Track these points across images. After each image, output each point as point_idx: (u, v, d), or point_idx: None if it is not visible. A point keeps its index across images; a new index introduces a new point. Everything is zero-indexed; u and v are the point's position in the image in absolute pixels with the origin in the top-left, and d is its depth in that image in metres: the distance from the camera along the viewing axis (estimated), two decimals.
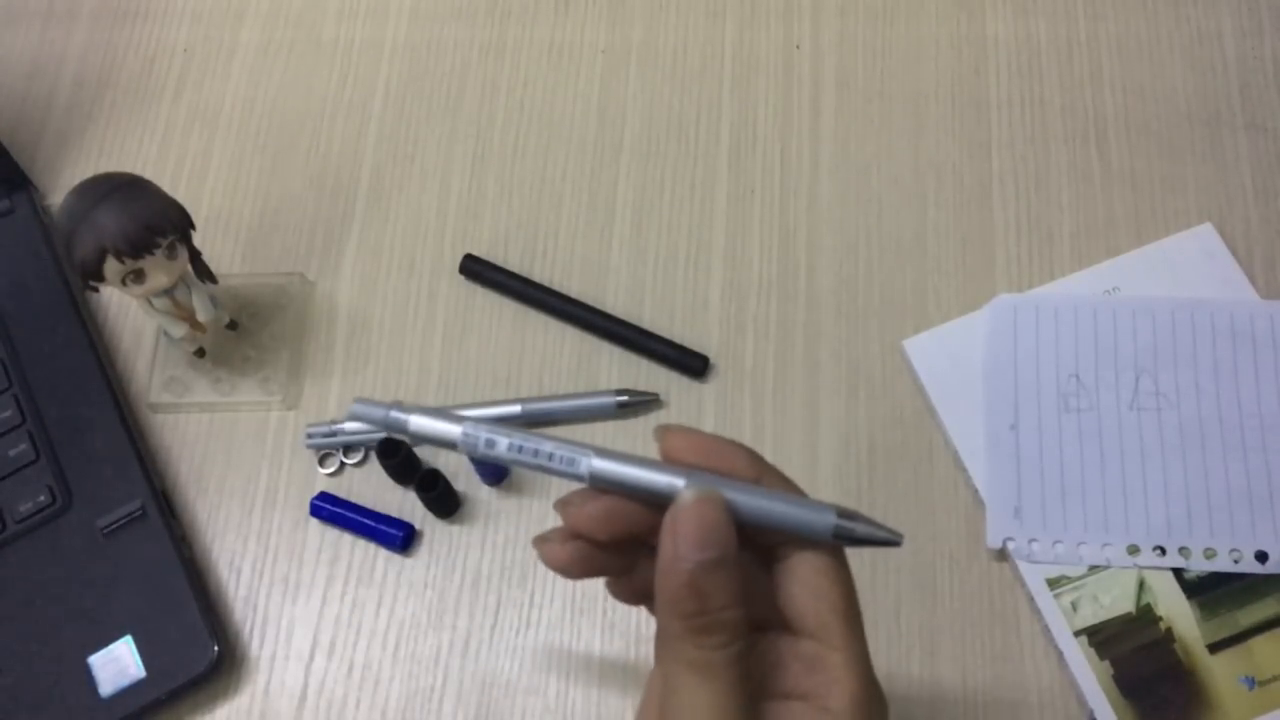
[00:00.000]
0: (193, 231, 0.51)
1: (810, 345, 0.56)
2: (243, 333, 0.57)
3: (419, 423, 0.32)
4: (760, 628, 0.32)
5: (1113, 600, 0.49)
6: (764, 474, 0.33)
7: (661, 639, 0.31)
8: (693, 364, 0.55)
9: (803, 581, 0.32)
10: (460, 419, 0.32)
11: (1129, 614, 0.49)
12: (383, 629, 0.51)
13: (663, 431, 0.33)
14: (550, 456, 0.32)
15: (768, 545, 0.33)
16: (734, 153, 0.60)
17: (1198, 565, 0.49)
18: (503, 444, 0.32)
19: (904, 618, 0.50)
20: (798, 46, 0.62)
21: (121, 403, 0.55)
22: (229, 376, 0.56)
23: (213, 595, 0.52)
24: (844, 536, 0.31)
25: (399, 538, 0.52)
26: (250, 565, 0.53)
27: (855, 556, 0.51)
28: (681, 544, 0.29)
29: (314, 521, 0.53)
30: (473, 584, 0.52)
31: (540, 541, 0.33)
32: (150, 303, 0.52)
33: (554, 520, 0.53)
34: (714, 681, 0.30)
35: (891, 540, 0.32)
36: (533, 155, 0.61)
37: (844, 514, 0.31)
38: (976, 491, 0.52)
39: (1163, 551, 0.50)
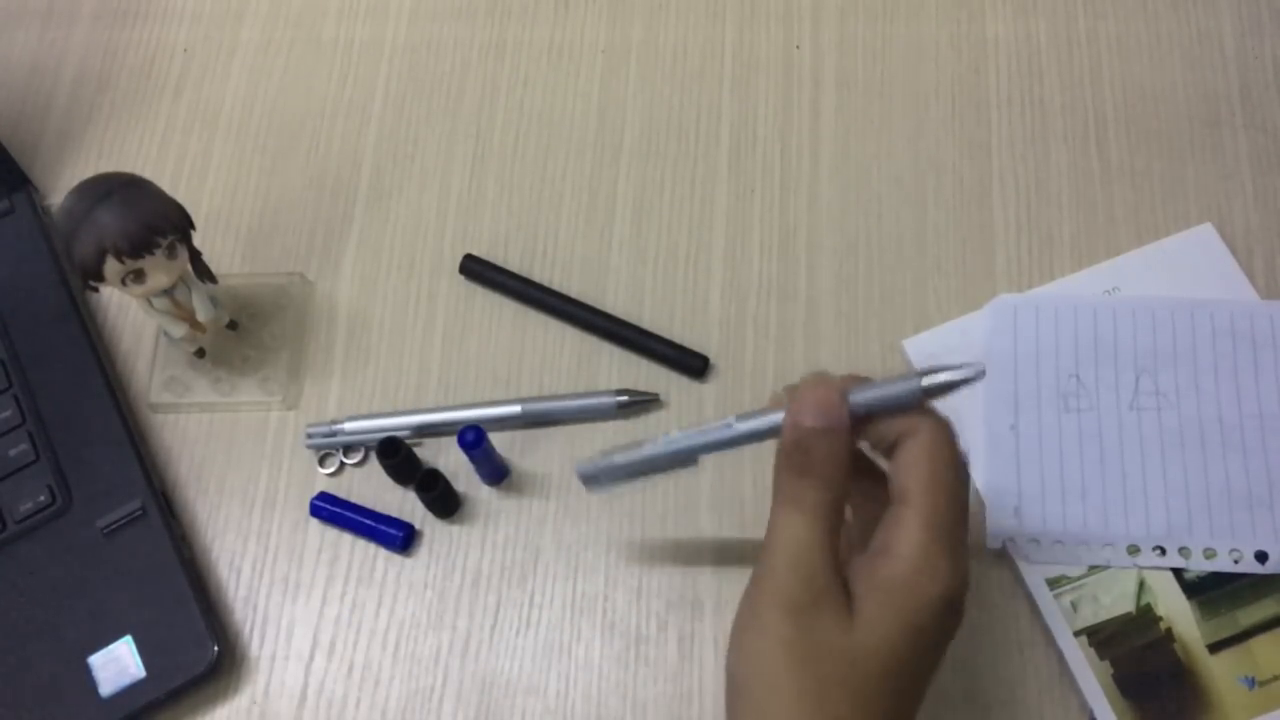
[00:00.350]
0: (193, 231, 0.51)
1: (810, 345, 0.56)
2: (243, 333, 0.57)
3: (621, 458, 0.43)
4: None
5: (1113, 600, 0.49)
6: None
7: (774, 491, 0.38)
8: (693, 364, 0.55)
9: (901, 457, 0.38)
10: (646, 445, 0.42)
11: (1129, 614, 0.49)
12: (383, 629, 0.51)
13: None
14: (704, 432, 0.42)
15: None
16: (734, 153, 0.60)
17: (1198, 565, 0.49)
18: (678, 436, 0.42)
19: None
20: (798, 46, 0.62)
21: (121, 403, 0.55)
22: (229, 376, 0.56)
23: (213, 595, 0.52)
24: (933, 389, 0.37)
25: (399, 538, 0.52)
26: (250, 565, 0.53)
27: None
28: (800, 413, 0.37)
29: (314, 521, 0.53)
30: (473, 584, 0.52)
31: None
32: (150, 303, 0.52)
33: (554, 520, 0.53)
34: (803, 514, 0.37)
35: (973, 375, 0.37)
36: (533, 155, 0.61)
37: (925, 373, 0.37)
38: (976, 491, 0.52)
39: (1163, 551, 0.50)
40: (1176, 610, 0.49)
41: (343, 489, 0.54)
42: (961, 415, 0.52)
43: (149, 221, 0.48)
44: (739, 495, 0.53)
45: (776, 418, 0.39)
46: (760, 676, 0.36)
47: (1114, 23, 0.62)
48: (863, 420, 0.38)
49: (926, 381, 0.37)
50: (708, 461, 0.53)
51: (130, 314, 0.58)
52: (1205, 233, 0.56)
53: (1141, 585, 0.49)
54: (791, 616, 0.35)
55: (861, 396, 0.38)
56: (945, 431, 0.38)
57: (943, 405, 0.53)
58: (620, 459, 0.43)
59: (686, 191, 0.59)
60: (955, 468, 0.37)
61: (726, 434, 0.41)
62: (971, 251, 0.57)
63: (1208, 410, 0.52)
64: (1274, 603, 0.49)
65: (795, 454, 0.37)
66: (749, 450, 0.53)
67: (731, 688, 0.37)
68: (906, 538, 0.36)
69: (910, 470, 0.37)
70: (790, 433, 0.38)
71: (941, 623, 0.36)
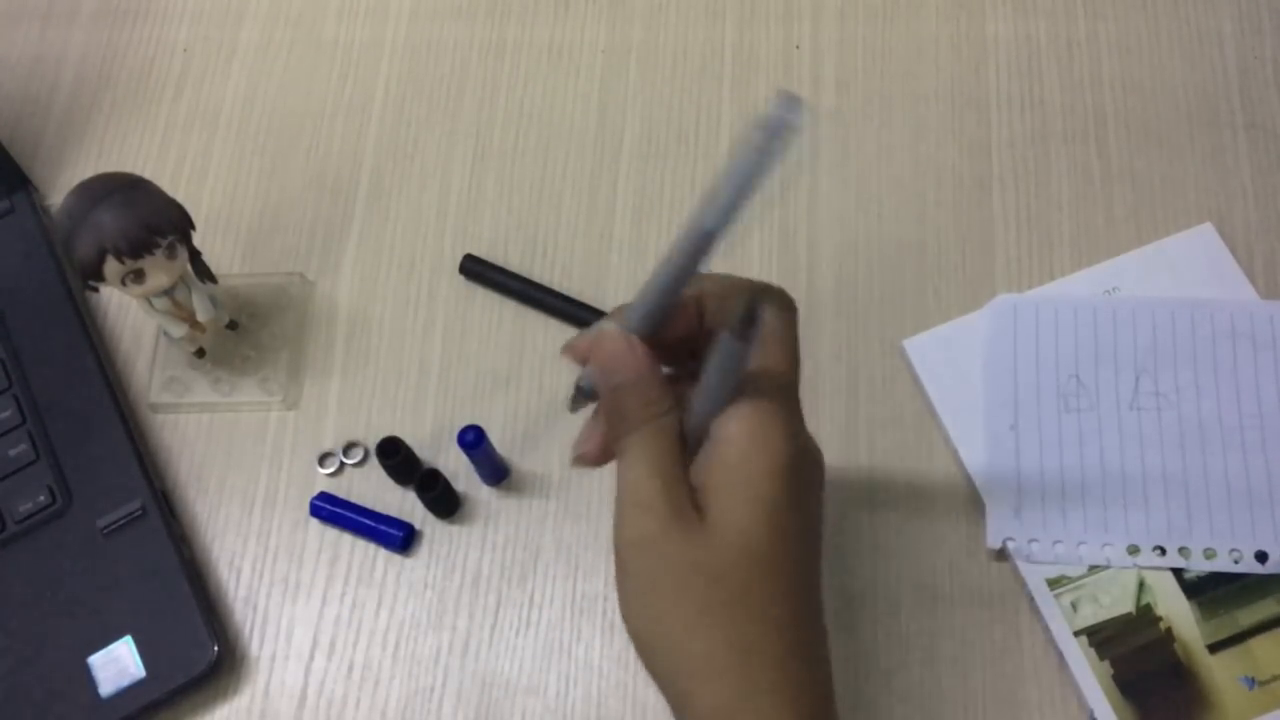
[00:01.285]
0: (193, 231, 0.51)
1: (810, 345, 0.55)
2: (243, 333, 0.57)
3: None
4: None
5: (1113, 600, 0.49)
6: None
7: (608, 439, 0.38)
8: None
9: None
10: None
11: (1129, 614, 0.49)
12: (383, 629, 0.51)
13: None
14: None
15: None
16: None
17: (1198, 565, 0.49)
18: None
19: (904, 618, 0.50)
20: (798, 47, 0.62)
21: (121, 403, 0.55)
22: (229, 376, 0.56)
23: (213, 595, 0.52)
24: (701, 238, 0.36)
25: (399, 538, 0.52)
26: (250, 565, 0.53)
27: (854, 551, 0.51)
28: (596, 377, 0.38)
29: (314, 521, 0.53)
30: (473, 584, 0.52)
31: (578, 459, 0.40)
32: (150, 303, 0.52)
33: (554, 520, 0.53)
34: (630, 453, 0.37)
35: (789, 108, 0.33)
36: (533, 155, 0.61)
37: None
38: (976, 491, 0.52)
39: (1163, 551, 0.50)
40: (1176, 610, 0.49)
41: (343, 489, 0.54)
42: (962, 415, 0.53)
43: (149, 221, 0.48)
44: None
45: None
46: (650, 626, 0.35)
47: (1114, 23, 0.62)
48: (669, 317, 0.38)
49: (696, 226, 0.35)
50: None
51: (130, 314, 0.58)
52: (1205, 233, 0.56)
53: (1141, 585, 0.49)
54: (650, 549, 0.35)
55: (639, 310, 0.37)
56: (766, 301, 0.38)
57: (943, 405, 0.53)
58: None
59: (686, 191, 0.59)
60: (779, 337, 0.39)
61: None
62: (971, 251, 0.57)
63: (1208, 410, 0.52)
64: (1274, 603, 0.49)
65: (612, 416, 0.37)
66: None
67: (638, 647, 0.37)
68: (732, 420, 0.36)
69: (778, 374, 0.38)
70: (601, 400, 0.38)
71: (788, 488, 0.36)
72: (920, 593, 0.50)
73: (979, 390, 0.53)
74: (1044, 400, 0.52)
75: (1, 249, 0.58)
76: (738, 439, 0.36)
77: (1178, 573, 0.49)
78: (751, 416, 0.36)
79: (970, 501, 0.52)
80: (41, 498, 0.52)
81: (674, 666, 0.35)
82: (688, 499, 0.36)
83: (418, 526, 0.53)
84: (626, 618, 0.36)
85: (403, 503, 0.54)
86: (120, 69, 0.65)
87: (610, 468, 0.38)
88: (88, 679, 0.49)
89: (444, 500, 0.52)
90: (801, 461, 0.37)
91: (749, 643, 0.34)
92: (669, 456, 0.36)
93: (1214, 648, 0.48)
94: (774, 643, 0.35)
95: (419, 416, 0.55)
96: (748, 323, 0.34)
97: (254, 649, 0.51)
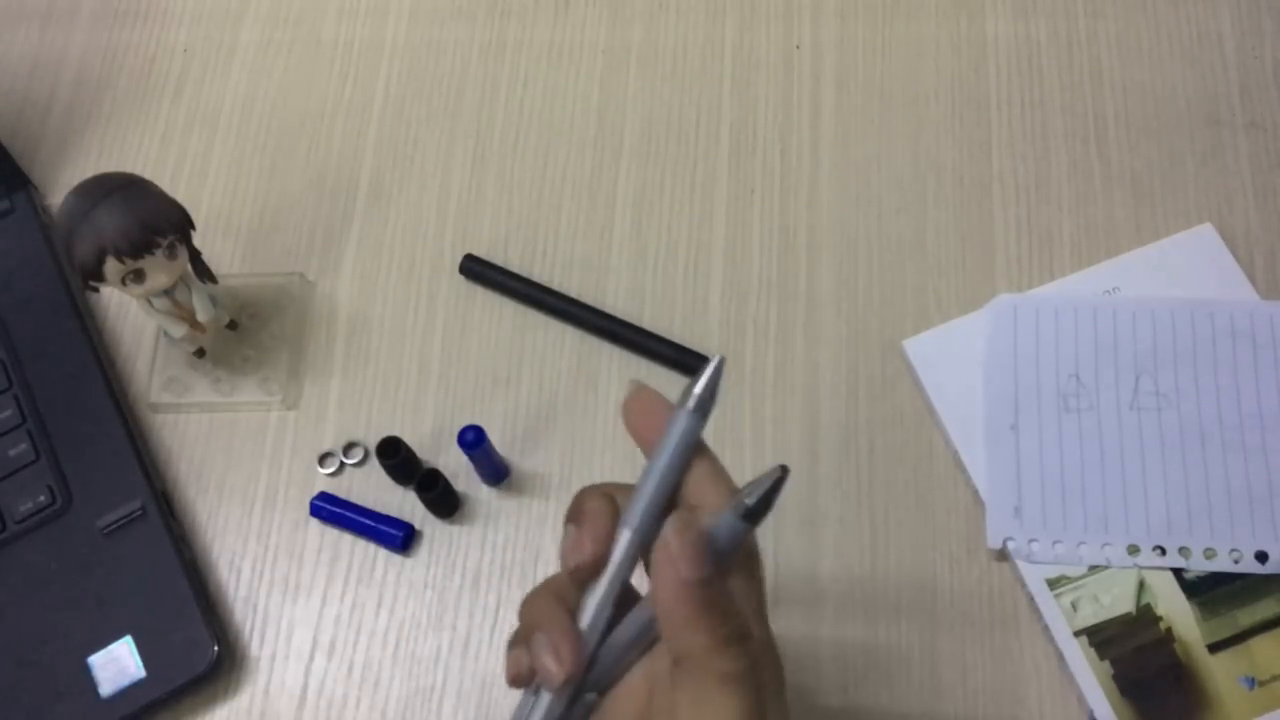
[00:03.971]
0: (193, 231, 0.51)
1: (810, 345, 0.56)
2: (243, 333, 0.57)
3: None
4: None
5: (1113, 600, 0.49)
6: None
7: (682, 666, 0.31)
8: (693, 364, 0.55)
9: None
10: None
11: (1129, 614, 0.49)
12: (383, 629, 0.51)
13: (636, 387, 0.35)
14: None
15: None
16: (734, 153, 0.60)
17: (1198, 565, 0.49)
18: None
19: (904, 618, 0.50)
20: (798, 46, 0.62)
21: (121, 403, 0.55)
22: (229, 376, 0.56)
23: (213, 595, 0.52)
24: (748, 513, 0.32)
25: (399, 538, 0.52)
26: (250, 565, 0.53)
27: (854, 551, 0.51)
28: (684, 567, 0.31)
29: (314, 521, 0.53)
30: (473, 584, 0.52)
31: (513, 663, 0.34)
32: (150, 303, 0.52)
33: (554, 520, 0.53)
34: (744, 689, 0.31)
35: (778, 479, 0.32)
36: (533, 155, 0.61)
37: (735, 506, 0.32)
38: (976, 491, 0.52)
39: (1163, 551, 0.50)
40: (1176, 610, 0.49)
41: (343, 489, 0.54)
42: (962, 415, 0.53)
43: (149, 221, 0.48)
44: None
45: (644, 613, 0.33)
46: None
47: (1114, 23, 0.62)
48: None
49: (741, 507, 0.32)
50: None
51: (130, 314, 0.58)
52: (1205, 233, 0.56)
53: (1141, 585, 0.49)
54: None
55: (716, 540, 0.33)
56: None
57: (943, 405, 0.53)
58: None
59: (686, 191, 0.59)
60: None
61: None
62: (971, 251, 0.57)
63: (1208, 410, 0.52)
64: (1274, 603, 0.49)
65: (710, 616, 0.31)
66: (750, 447, 0.53)
67: None
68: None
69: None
70: (685, 599, 0.31)
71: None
72: (920, 593, 0.50)
73: (979, 390, 0.53)
74: (1044, 400, 0.52)
75: (1, 249, 0.58)
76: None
77: (1178, 573, 0.49)
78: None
79: (970, 501, 0.52)
80: (41, 498, 0.52)
81: None
82: None
83: (418, 526, 0.53)
84: None
85: (403, 503, 0.54)
86: (120, 69, 0.65)
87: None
88: (88, 679, 0.49)
89: (444, 500, 0.52)
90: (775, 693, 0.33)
91: None
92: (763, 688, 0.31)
93: (1214, 648, 0.48)
94: None
95: (419, 416, 0.55)
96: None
97: (254, 649, 0.51)
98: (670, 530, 0.31)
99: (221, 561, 0.53)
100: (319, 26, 0.65)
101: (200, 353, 0.56)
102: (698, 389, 0.35)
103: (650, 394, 0.36)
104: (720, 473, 0.34)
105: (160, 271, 0.50)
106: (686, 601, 0.31)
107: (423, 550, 0.53)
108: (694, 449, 0.34)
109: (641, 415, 0.35)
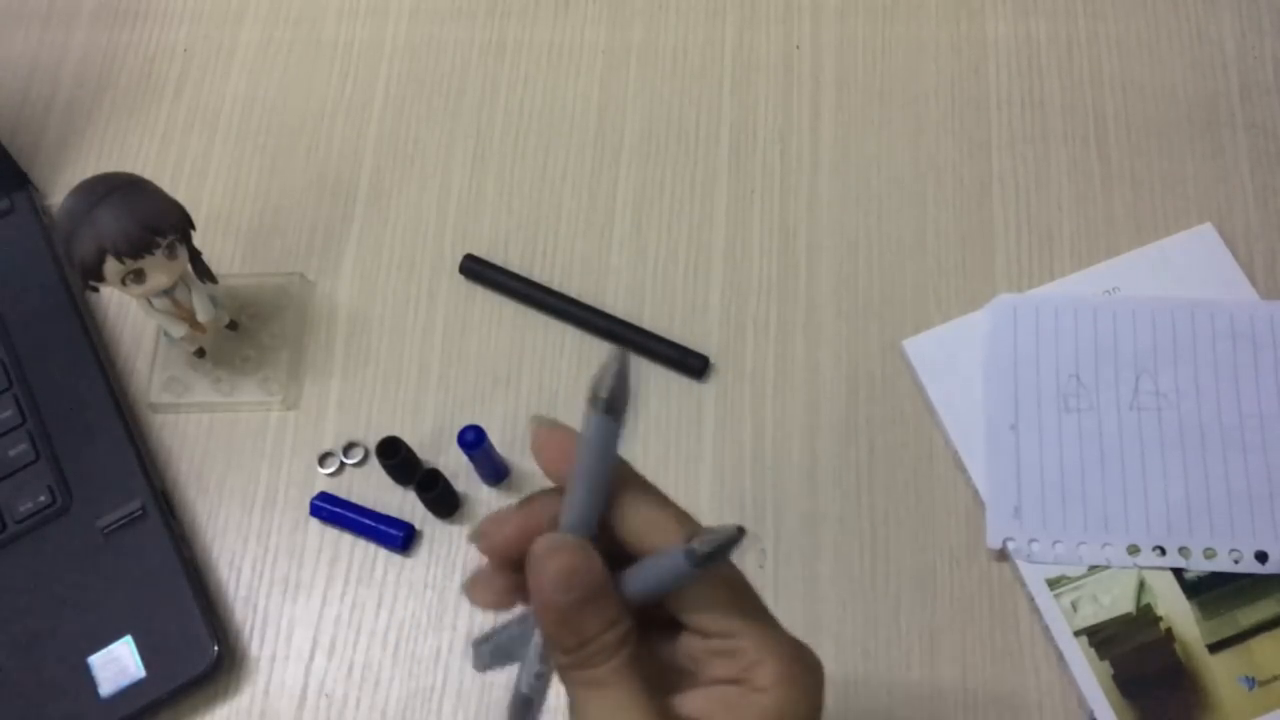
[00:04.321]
0: (193, 231, 0.51)
1: (810, 345, 0.56)
2: (243, 333, 0.57)
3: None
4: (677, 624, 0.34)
5: (1113, 600, 0.49)
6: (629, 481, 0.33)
7: (558, 668, 0.32)
8: (693, 364, 0.55)
9: (691, 596, 0.33)
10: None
11: (1129, 614, 0.49)
12: (383, 629, 0.51)
13: (537, 427, 0.34)
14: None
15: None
16: (734, 153, 0.60)
17: (1198, 565, 0.49)
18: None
19: (904, 618, 0.50)
20: (798, 46, 0.62)
21: (121, 403, 0.55)
22: (229, 376, 0.56)
23: (213, 595, 0.52)
24: (698, 561, 0.31)
25: (399, 538, 0.52)
26: (250, 565, 0.53)
27: (854, 551, 0.51)
28: (546, 590, 0.31)
29: (314, 521, 0.53)
30: None
31: (471, 585, 0.35)
32: (150, 303, 0.52)
33: None
34: (606, 688, 0.31)
35: (733, 538, 0.31)
36: (533, 155, 0.61)
37: (688, 551, 0.31)
38: (976, 491, 0.52)
39: (1163, 551, 0.50)
40: (1176, 610, 0.49)
41: (343, 489, 0.54)
42: (962, 415, 0.53)
43: (149, 221, 0.48)
44: (740, 489, 0.53)
45: (527, 632, 0.33)
46: None
47: (1114, 23, 0.62)
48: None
49: (698, 547, 0.31)
50: (708, 459, 0.53)
51: (130, 314, 0.58)
52: (1205, 233, 0.56)
53: (1141, 585, 0.49)
54: None
55: (632, 586, 0.32)
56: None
57: (943, 405, 0.53)
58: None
59: (686, 191, 0.59)
60: (739, 577, 0.34)
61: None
62: (971, 251, 0.57)
63: (1208, 410, 0.52)
64: (1274, 603, 0.49)
65: (566, 638, 0.31)
66: (750, 447, 0.53)
67: None
68: (765, 671, 0.32)
69: (711, 606, 0.32)
70: (546, 617, 0.32)
71: (812, 709, 0.32)
72: (920, 592, 0.50)
73: (979, 390, 0.53)
74: (1044, 400, 0.52)
75: (1, 249, 0.58)
76: (775, 685, 0.31)
77: (1178, 573, 0.49)
78: (788, 662, 0.32)
79: (970, 501, 0.52)
80: (41, 498, 0.52)
81: None
82: None
83: (418, 526, 0.53)
84: None
85: (403, 503, 0.54)
86: (120, 69, 0.65)
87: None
88: (88, 679, 0.49)
89: (444, 500, 0.52)
90: (821, 699, 0.33)
91: None
92: (649, 689, 0.32)
93: (1214, 648, 0.48)
94: None
95: (419, 416, 0.55)
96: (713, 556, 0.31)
97: (254, 649, 0.51)
98: (541, 546, 0.32)
99: (221, 561, 0.53)
100: (319, 26, 0.65)
101: (200, 353, 0.56)
102: (601, 390, 0.31)
103: (559, 430, 0.34)
104: (658, 503, 0.33)
105: (160, 271, 0.50)
106: (545, 617, 0.32)
107: (423, 550, 0.53)
108: (613, 454, 0.32)
109: (553, 451, 0.33)
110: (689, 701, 0.32)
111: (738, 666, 0.32)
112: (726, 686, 0.32)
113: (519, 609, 0.34)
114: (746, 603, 0.33)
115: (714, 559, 0.31)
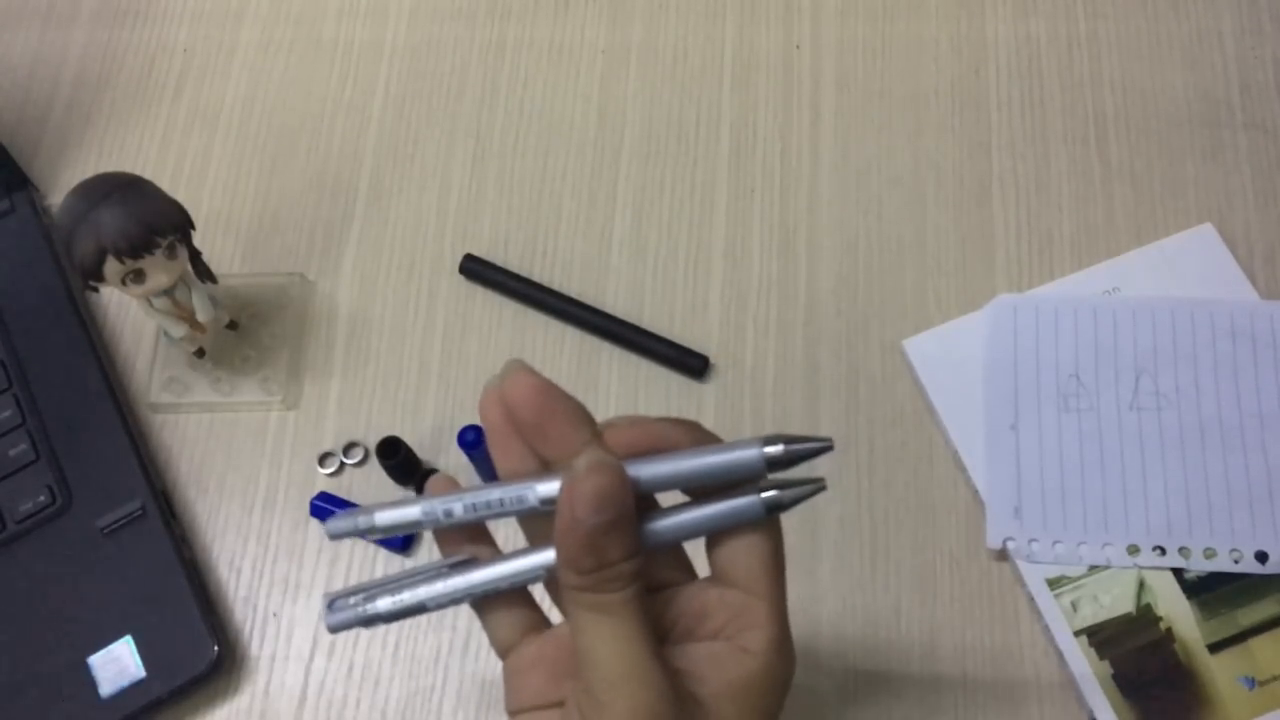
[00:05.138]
0: (193, 231, 0.51)
1: (810, 345, 0.56)
2: (243, 333, 0.57)
3: (383, 517, 0.35)
4: (677, 582, 0.35)
5: (1113, 600, 0.49)
6: (704, 441, 0.34)
7: (564, 593, 0.33)
8: (693, 364, 0.55)
9: (736, 536, 0.33)
10: (418, 500, 0.34)
11: (1129, 614, 0.49)
12: (383, 629, 0.51)
13: (605, 427, 0.34)
14: (501, 502, 0.34)
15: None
16: (734, 153, 0.60)
17: (1198, 565, 0.49)
18: (458, 507, 0.34)
19: (904, 618, 0.50)
20: (798, 46, 0.62)
21: (121, 403, 0.55)
22: (229, 376, 0.56)
23: (213, 595, 0.52)
24: (778, 461, 0.32)
25: (399, 538, 0.52)
26: (250, 565, 0.53)
27: (854, 551, 0.51)
28: (578, 507, 0.31)
29: (314, 521, 0.53)
30: None
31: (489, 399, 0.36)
32: (150, 303, 0.52)
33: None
34: (614, 616, 0.32)
35: (823, 444, 0.32)
36: (533, 155, 0.61)
37: (768, 440, 0.32)
38: (976, 491, 0.52)
39: (1163, 551, 0.50)
40: (1176, 610, 0.49)
41: (343, 489, 0.54)
42: (961, 415, 0.53)
43: (149, 221, 0.48)
44: None
45: (545, 556, 0.33)
46: None
47: (1114, 23, 0.62)
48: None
49: (769, 452, 0.32)
50: None
51: (130, 314, 0.58)
52: (1205, 233, 0.56)
53: (1141, 585, 0.49)
54: None
55: (675, 470, 0.33)
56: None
57: (943, 405, 0.53)
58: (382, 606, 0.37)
59: (686, 191, 0.59)
60: (782, 545, 0.34)
61: (520, 506, 0.33)
62: (971, 251, 0.57)
63: (1208, 410, 0.52)
64: (1274, 603, 0.49)
65: (586, 559, 0.31)
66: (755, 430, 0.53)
67: None
68: (760, 635, 0.33)
69: (751, 552, 0.33)
70: (572, 536, 0.32)
71: (782, 700, 0.34)
72: (920, 592, 0.50)
73: (979, 390, 0.53)
74: (1044, 400, 0.52)
75: (1, 249, 0.58)
76: (766, 653, 0.33)
77: (1178, 573, 0.49)
78: (780, 637, 0.33)
79: (970, 501, 0.52)
80: (41, 498, 0.52)
81: None
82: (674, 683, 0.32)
83: None
84: None
85: None
86: (120, 69, 0.65)
87: None
88: (88, 679, 0.49)
89: None
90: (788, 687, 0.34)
91: None
92: (649, 625, 0.32)
93: (1214, 648, 0.48)
94: None
95: (419, 416, 0.55)
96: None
97: (254, 649, 0.51)
98: (580, 465, 0.32)
99: (221, 561, 0.53)
100: (319, 26, 0.65)
101: (200, 353, 0.56)
102: (785, 496, 0.32)
103: (537, 380, 0.34)
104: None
105: (160, 271, 0.50)
106: (570, 536, 0.32)
107: (423, 550, 0.53)
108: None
109: (529, 401, 0.34)
110: (676, 656, 0.33)
111: (738, 624, 0.33)
112: (714, 643, 0.33)
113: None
114: (778, 569, 0.34)
115: (788, 506, 0.32)
